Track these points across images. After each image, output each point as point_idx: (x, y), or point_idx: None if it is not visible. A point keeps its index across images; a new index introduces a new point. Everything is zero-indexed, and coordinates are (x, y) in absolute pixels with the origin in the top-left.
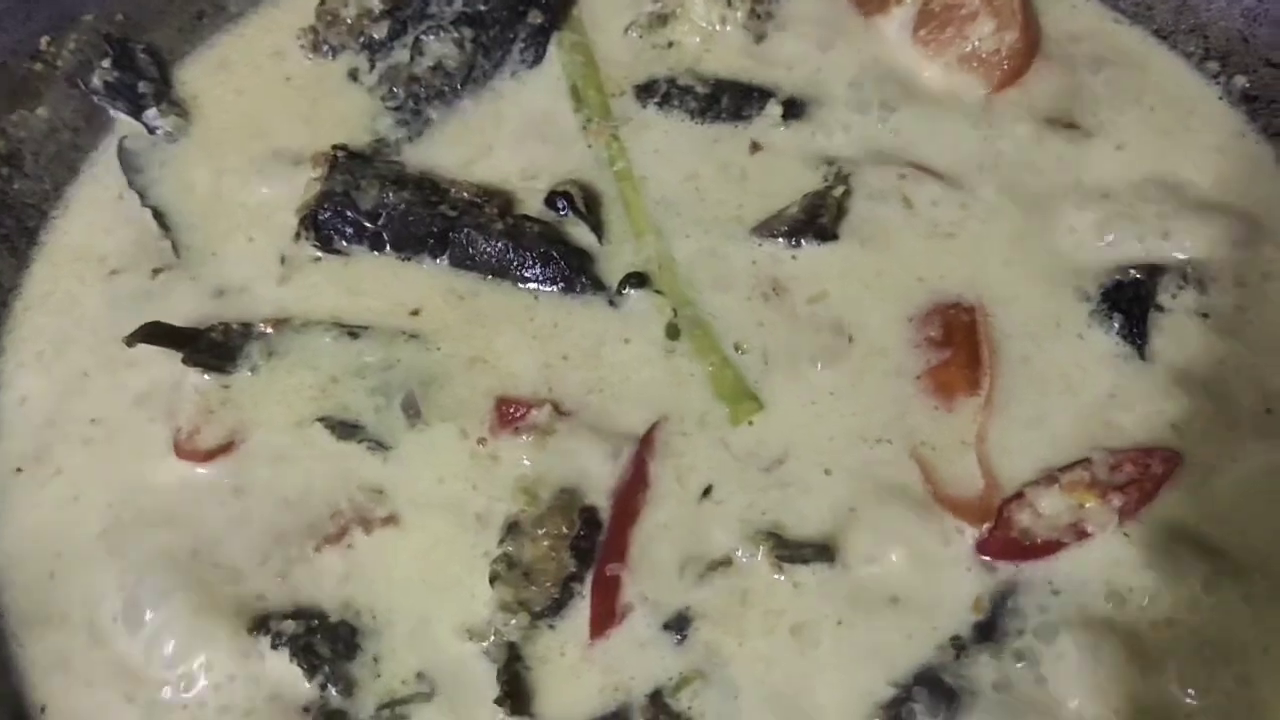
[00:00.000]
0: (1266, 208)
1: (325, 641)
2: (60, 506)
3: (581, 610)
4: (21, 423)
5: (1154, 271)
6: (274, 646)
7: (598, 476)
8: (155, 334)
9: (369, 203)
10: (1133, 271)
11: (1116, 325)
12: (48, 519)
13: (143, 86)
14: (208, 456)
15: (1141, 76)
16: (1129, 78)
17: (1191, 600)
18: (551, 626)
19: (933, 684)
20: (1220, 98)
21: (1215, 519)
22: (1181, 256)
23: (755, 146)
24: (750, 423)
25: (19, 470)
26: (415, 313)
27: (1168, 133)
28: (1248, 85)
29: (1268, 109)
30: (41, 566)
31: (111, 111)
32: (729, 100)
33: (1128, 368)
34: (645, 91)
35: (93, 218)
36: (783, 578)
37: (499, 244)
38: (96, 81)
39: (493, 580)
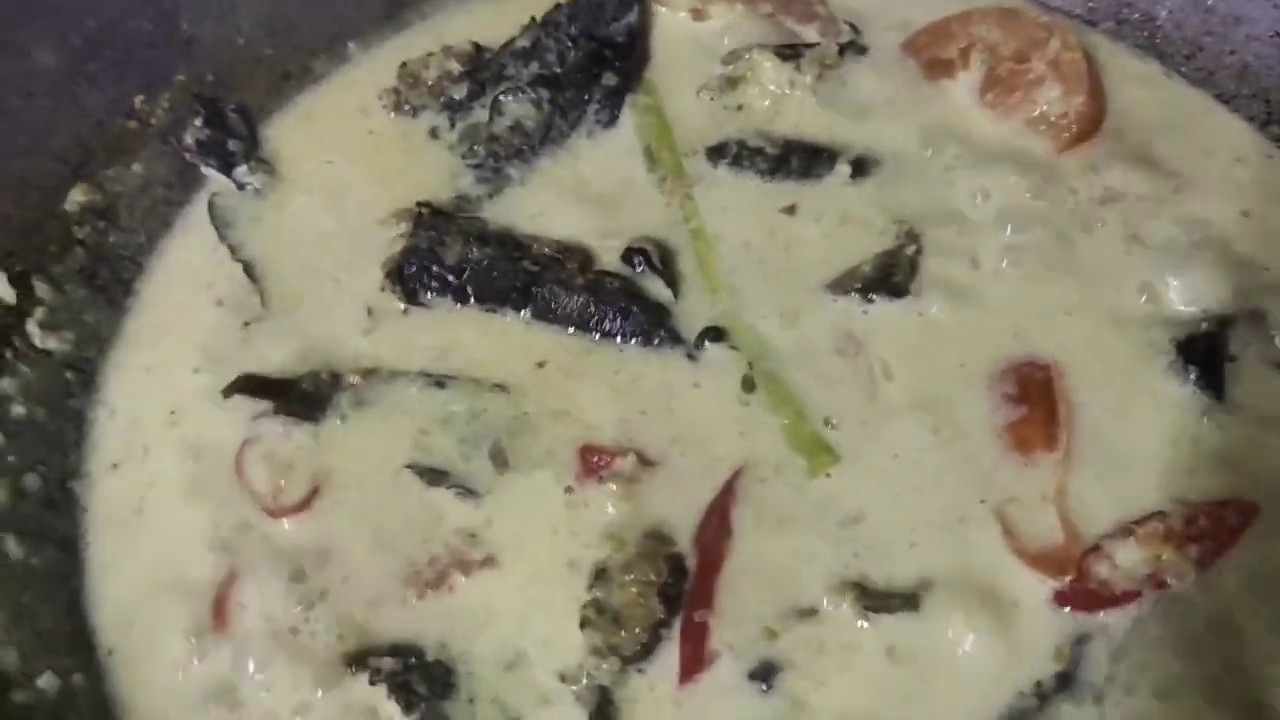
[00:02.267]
0: None
1: (422, 680)
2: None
3: (670, 655)
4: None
5: (1224, 322)
6: (372, 682)
7: (682, 523)
8: (250, 386)
9: (453, 258)
10: (1204, 324)
11: (1193, 376)
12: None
13: (232, 144)
14: (297, 509)
15: (1207, 140)
16: (1194, 141)
17: (1273, 650)
18: (641, 671)
19: None
20: None
21: None
22: (1251, 309)
23: (791, 209)
24: (828, 475)
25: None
26: (542, 364)
27: (1234, 195)
28: None
29: None
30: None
31: (203, 168)
32: (798, 160)
33: (1206, 419)
34: (716, 152)
35: (186, 271)
36: (867, 626)
37: (580, 298)
38: (189, 139)
39: (583, 625)
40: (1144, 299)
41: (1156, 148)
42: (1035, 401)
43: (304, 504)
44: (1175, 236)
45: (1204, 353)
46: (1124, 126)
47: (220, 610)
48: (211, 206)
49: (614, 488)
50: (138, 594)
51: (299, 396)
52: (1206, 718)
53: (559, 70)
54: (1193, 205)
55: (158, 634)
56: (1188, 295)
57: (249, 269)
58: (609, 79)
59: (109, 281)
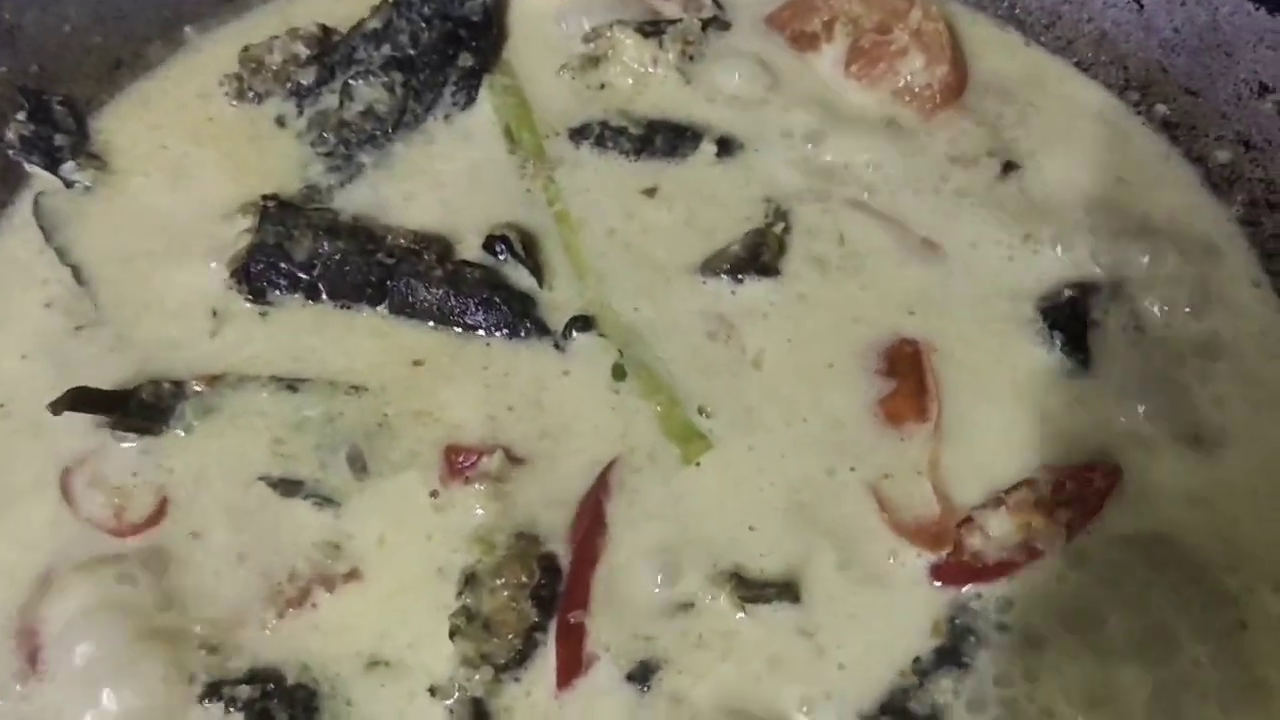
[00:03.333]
0: (1190, 226)
1: (283, 706)
2: None
3: (546, 660)
4: None
5: (1087, 290)
6: (227, 712)
7: (554, 521)
8: (82, 400)
9: (303, 253)
10: (1066, 290)
11: (1059, 342)
12: None
13: (59, 139)
14: (141, 528)
15: (1067, 106)
16: (1055, 107)
17: (1144, 605)
18: (516, 679)
19: (899, 713)
20: (1144, 124)
21: (1163, 527)
22: (1112, 274)
23: (652, 191)
24: (698, 464)
25: None
26: (418, 363)
27: (1095, 159)
28: (1168, 113)
29: (1188, 134)
30: None
31: (26, 165)
32: (663, 140)
33: (1071, 384)
34: (579, 133)
35: (11, 274)
36: (745, 618)
37: (439, 291)
38: (11, 135)
39: (453, 634)
40: (1012, 268)
41: (1020, 116)
42: (905, 374)
43: (152, 520)
44: (1040, 205)
45: (1069, 318)
46: (987, 96)
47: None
48: (37, 206)
49: (481, 488)
50: None
51: (138, 408)
52: (1091, 682)
53: (412, 52)
54: (1056, 173)
55: None
56: (1054, 262)
57: (78, 273)
58: (465, 59)
59: None
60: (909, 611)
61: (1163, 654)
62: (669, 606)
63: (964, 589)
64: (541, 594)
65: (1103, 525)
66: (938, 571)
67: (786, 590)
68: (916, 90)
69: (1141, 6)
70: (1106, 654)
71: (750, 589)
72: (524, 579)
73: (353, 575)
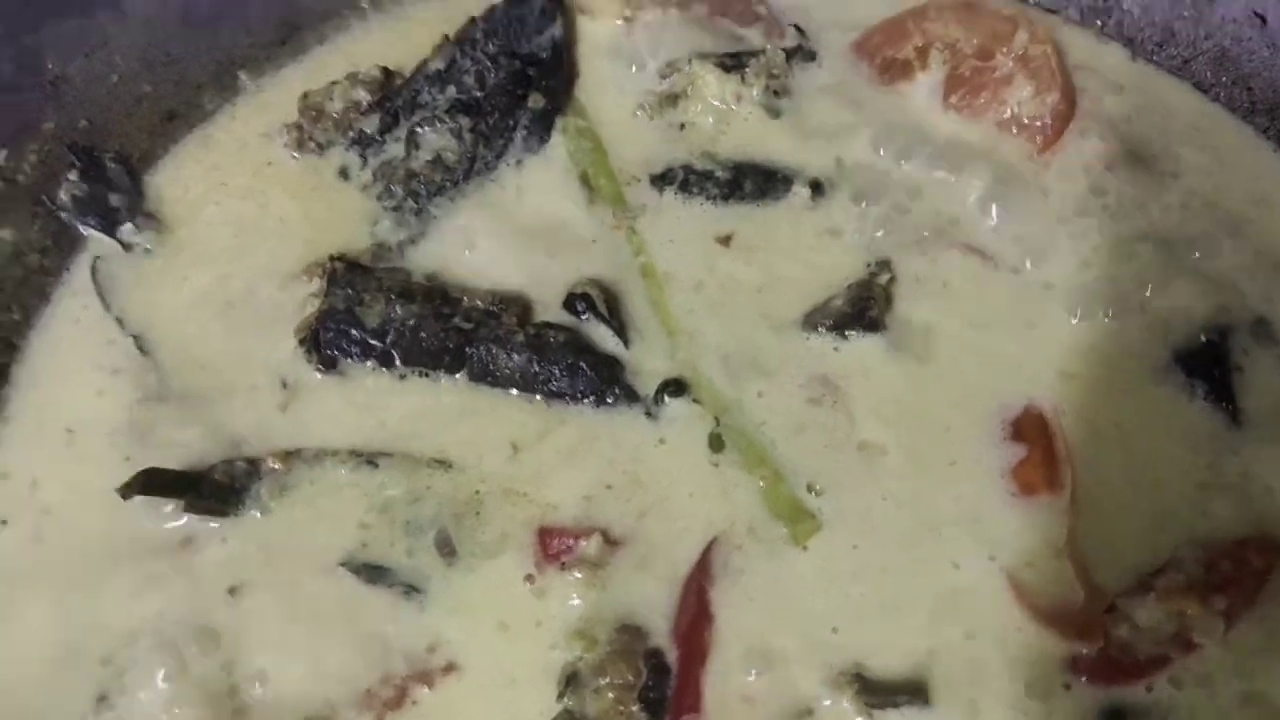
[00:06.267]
0: None
1: None
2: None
3: None
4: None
5: (1224, 332)
6: None
7: (658, 610)
8: (153, 483)
9: (375, 319)
10: (1202, 335)
11: (1201, 393)
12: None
13: (115, 199)
14: None
15: (1186, 132)
16: (1173, 133)
17: None
18: None
19: None
20: (1275, 150)
21: None
22: (1250, 311)
23: (725, 240)
24: (805, 548)
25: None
26: (507, 437)
27: (1220, 187)
28: None
29: None
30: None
31: (81, 229)
32: (752, 184)
33: (1220, 440)
34: (662, 179)
35: (69, 348)
36: None
37: (522, 357)
38: (64, 196)
39: None
40: (1136, 311)
41: (1136, 144)
42: (1033, 441)
43: None
44: (1165, 238)
45: (1208, 365)
46: (1099, 123)
47: None
48: (94, 272)
49: (579, 575)
50: None
51: (211, 490)
52: None
53: (479, 94)
54: (1180, 204)
55: None
56: (1180, 302)
57: (140, 342)
58: (535, 100)
59: None
60: (1055, 714)
61: None
62: (785, 711)
63: (1113, 688)
64: (649, 696)
65: (1266, 611)
66: (1080, 666)
67: (917, 693)
68: (1025, 121)
69: (1265, 22)
70: None
71: (875, 693)
72: (630, 678)
73: (450, 669)
